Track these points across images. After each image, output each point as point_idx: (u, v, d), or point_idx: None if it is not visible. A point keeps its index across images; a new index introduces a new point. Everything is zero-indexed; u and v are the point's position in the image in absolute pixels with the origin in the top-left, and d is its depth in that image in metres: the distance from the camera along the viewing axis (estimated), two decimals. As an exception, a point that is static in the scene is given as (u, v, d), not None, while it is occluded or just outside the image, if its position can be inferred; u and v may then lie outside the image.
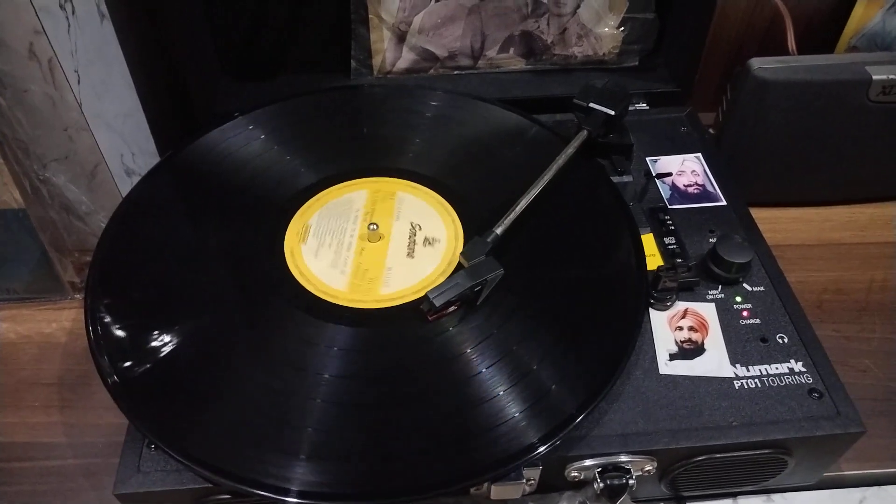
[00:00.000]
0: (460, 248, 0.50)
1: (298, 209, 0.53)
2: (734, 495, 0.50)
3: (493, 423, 0.40)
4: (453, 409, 0.41)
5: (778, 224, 0.67)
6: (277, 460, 0.39)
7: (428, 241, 0.51)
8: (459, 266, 0.48)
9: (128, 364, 0.43)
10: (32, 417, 0.53)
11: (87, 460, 0.50)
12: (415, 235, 0.52)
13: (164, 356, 0.44)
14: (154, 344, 0.44)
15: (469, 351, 0.44)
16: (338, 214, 0.53)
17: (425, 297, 0.45)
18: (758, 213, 0.57)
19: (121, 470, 0.41)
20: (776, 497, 0.50)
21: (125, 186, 0.60)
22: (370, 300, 0.47)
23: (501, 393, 0.42)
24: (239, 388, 0.43)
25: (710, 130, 0.68)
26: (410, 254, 0.50)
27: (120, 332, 0.45)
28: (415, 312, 0.46)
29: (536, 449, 0.39)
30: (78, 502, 0.48)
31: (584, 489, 0.45)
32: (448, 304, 0.45)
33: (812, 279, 0.63)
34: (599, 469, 0.43)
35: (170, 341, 0.44)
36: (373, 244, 0.51)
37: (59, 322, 0.59)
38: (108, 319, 0.45)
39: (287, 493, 0.38)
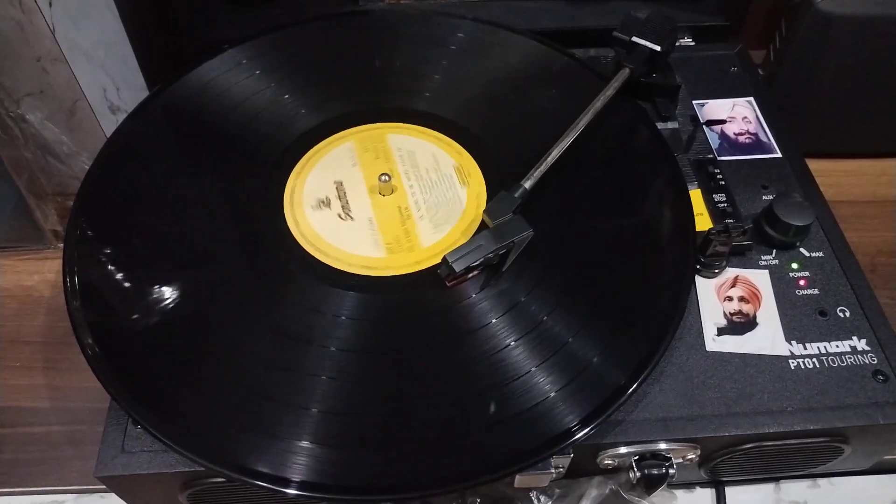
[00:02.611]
0: (483, 203, 0.45)
1: (298, 160, 0.47)
2: (776, 479, 0.45)
3: (520, 408, 0.36)
4: (474, 391, 0.37)
5: (829, 178, 0.61)
6: (277, 445, 0.35)
7: (444, 176, 0.46)
8: (483, 225, 0.43)
9: (110, 329, 0.39)
10: (13, 379, 0.49)
11: (73, 427, 0.47)
12: (428, 174, 0.46)
13: (152, 321, 0.39)
14: (140, 306, 0.39)
15: (494, 322, 0.39)
16: (336, 172, 0.47)
17: (444, 260, 0.40)
18: (807, 164, 0.51)
19: (103, 449, 0.37)
20: (822, 482, 0.46)
21: (109, 125, 0.54)
22: (420, 258, 0.42)
23: (529, 372, 0.37)
24: (235, 361, 0.38)
25: (760, 71, 0.61)
26: (432, 194, 0.45)
27: (102, 292, 0.40)
28: (431, 277, 0.41)
29: (569, 439, 0.35)
30: (62, 472, 0.45)
31: (616, 475, 0.40)
32: (469, 269, 0.40)
33: (865, 240, 0.57)
34: (636, 457, 0.38)
35: (158, 304, 0.40)
36: (386, 197, 0.45)
37: (41, 274, 0.54)
38: (88, 276, 0.40)
39: (288, 483, 0.33)
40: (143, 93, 0.56)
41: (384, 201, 0.45)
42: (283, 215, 0.44)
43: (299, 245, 0.43)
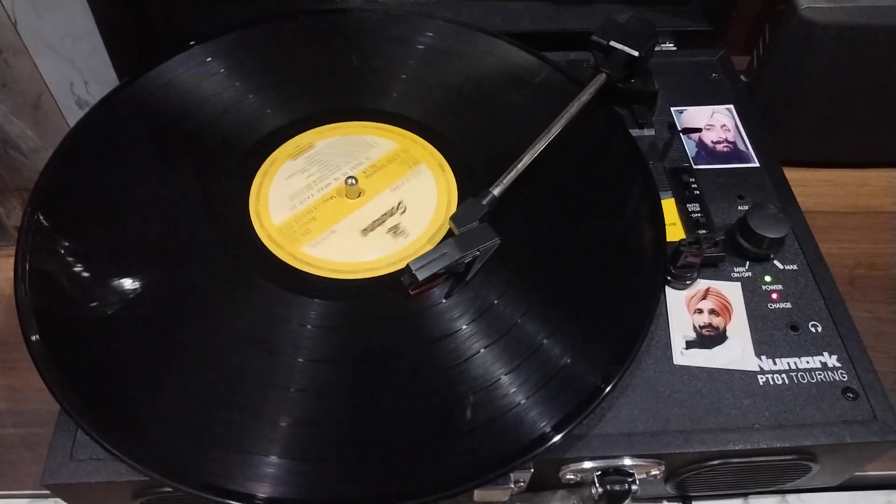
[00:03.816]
0: (452, 207, 0.44)
1: (265, 159, 0.46)
2: (745, 495, 0.45)
3: (479, 420, 0.35)
4: (430, 403, 0.36)
5: (808, 187, 0.60)
6: (231, 457, 0.34)
7: (414, 178, 0.45)
8: (449, 232, 0.42)
9: (61, 327, 0.38)
10: (-30, 379, 0.47)
11: (30, 430, 0.45)
12: (396, 175, 0.45)
13: (106, 321, 0.38)
14: (94, 305, 0.38)
15: (455, 333, 0.38)
16: (303, 172, 0.46)
17: (406, 267, 0.39)
18: (785, 174, 0.50)
19: (51, 456, 0.36)
20: (791, 498, 0.45)
21: (76, 119, 0.52)
22: (384, 262, 0.41)
23: (489, 385, 0.36)
24: (191, 367, 0.37)
25: (742, 78, 0.60)
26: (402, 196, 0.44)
27: (54, 286, 0.39)
28: (393, 283, 0.40)
29: (529, 453, 0.34)
30: (16, 476, 0.44)
31: (579, 490, 0.40)
32: (434, 276, 0.39)
33: (845, 251, 0.56)
34: (599, 472, 0.37)
35: (113, 303, 0.38)
36: (353, 200, 0.44)
37: (3, 271, 0.53)
38: (41, 268, 0.39)
39: (241, 497, 0.33)
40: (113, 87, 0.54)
41: (351, 204, 0.44)
42: (249, 214, 0.43)
43: (264, 246, 0.42)
